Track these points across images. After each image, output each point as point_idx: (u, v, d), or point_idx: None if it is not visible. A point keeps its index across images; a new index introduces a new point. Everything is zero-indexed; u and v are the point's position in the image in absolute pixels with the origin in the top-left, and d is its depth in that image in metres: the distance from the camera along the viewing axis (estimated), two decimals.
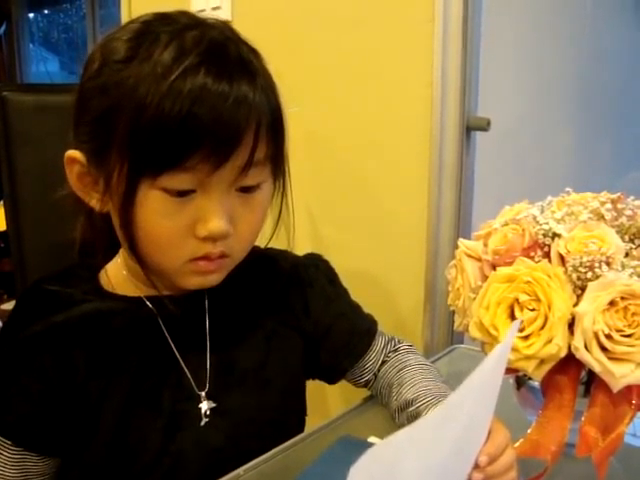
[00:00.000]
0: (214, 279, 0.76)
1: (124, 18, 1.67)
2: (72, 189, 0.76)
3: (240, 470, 0.77)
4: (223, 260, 0.74)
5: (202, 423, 0.78)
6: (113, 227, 0.76)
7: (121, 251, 0.82)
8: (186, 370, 0.79)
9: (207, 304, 0.82)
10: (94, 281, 0.81)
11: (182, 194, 0.68)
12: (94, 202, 0.74)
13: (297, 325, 0.88)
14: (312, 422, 0.92)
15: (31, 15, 5.04)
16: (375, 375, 0.92)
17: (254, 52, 0.74)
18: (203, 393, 0.79)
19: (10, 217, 1.07)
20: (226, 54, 0.70)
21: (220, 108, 0.66)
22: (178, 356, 0.79)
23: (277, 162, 0.75)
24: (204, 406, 0.79)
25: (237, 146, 0.67)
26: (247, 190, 0.73)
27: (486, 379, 0.55)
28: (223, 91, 0.66)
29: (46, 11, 5.21)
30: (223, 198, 0.70)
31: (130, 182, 0.68)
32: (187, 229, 0.70)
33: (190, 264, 0.73)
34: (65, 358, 0.74)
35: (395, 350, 0.93)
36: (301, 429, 0.89)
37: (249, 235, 0.76)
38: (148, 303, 0.79)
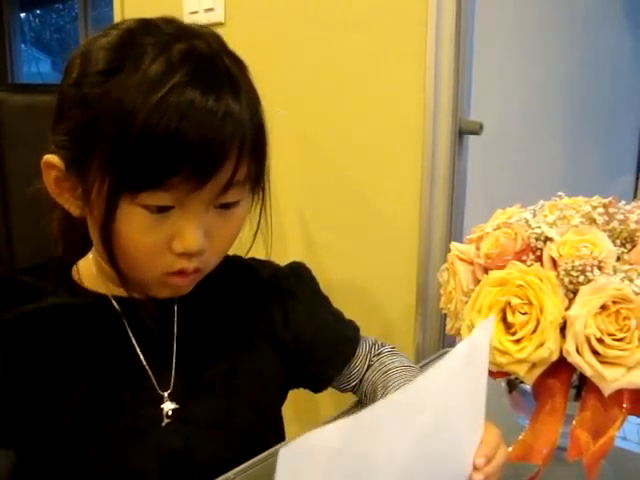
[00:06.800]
0: (184, 290, 0.78)
1: (117, 19, 1.67)
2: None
3: (231, 473, 0.76)
4: (196, 274, 0.75)
5: (163, 424, 0.77)
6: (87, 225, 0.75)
7: (93, 250, 0.81)
8: (149, 372, 0.78)
9: (176, 309, 0.82)
10: (66, 275, 0.81)
11: (161, 210, 0.68)
12: (72, 208, 0.74)
13: (274, 336, 0.87)
14: (304, 427, 0.91)
15: (23, 15, 5.01)
16: (360, 380, 0.92)
17: (240, 65, 0.73)
18: (166, 394, 0.78)
19: (0, 218, 1.06)
20: (214, 69, 0.69)
21: (207, 125, 0.65)
22: (142, 358, 0.78)
23: (257, 180, 0.75)
24: (166, 407, 0.77)
25: (220, 167, 0.67)
26: (226, 206, 0.73)
27: (456, 378, 0.54)
28: (211, 109, 0.65)
29: (38, 11, 5.18)
30: (201, 215, 0.70)
31: (111, 198, 0.67)
32: (164, 244, 0.70)
33: (164, 277, 0.73)
34: (28, 350, 0.73)
35: (379, 354, 0.93)
36: (279, 438, 0.89)
37: (224, 248, 0.77)
38: (114, 302, 0.78)
